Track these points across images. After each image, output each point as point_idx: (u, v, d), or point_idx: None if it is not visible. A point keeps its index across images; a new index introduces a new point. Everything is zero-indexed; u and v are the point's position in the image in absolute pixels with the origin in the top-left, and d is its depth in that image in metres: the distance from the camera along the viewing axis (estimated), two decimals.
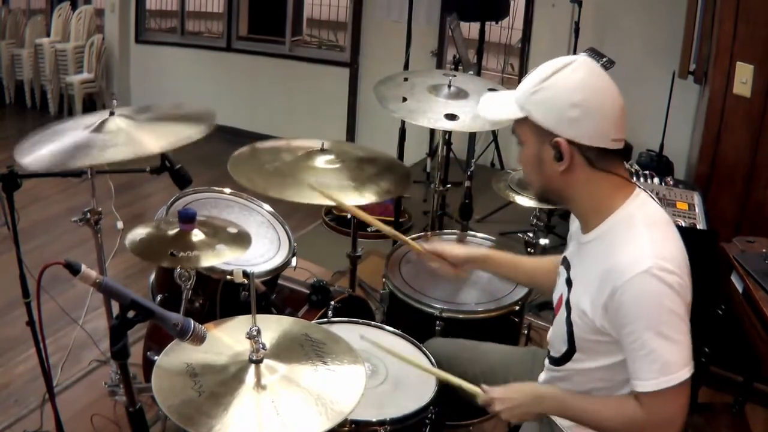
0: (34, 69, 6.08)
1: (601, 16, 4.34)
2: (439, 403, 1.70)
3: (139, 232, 1.78)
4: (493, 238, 2.43)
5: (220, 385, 1.32)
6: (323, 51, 6.03)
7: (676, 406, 1.29)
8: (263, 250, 2.19)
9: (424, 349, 1.86)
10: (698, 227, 2.46)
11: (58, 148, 1.77)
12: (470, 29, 4.59)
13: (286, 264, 2.16)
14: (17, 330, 2.65)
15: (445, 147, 3.17)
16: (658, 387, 1.26)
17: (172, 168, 2.05)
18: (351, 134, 5.43)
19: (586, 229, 1.43)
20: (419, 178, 4.64)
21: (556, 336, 1.50)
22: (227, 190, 2.37)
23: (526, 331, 2.48)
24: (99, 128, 1.83)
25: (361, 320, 1.99)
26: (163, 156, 2.02)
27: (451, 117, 2.27)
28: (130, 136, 1.80)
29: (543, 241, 2.82)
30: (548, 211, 3.43)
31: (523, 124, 1.38)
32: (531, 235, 2.80)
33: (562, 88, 1.31)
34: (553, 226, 3.79)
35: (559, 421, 1.52)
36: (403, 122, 4.06)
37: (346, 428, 1.57)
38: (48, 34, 6.17)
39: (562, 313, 1.46)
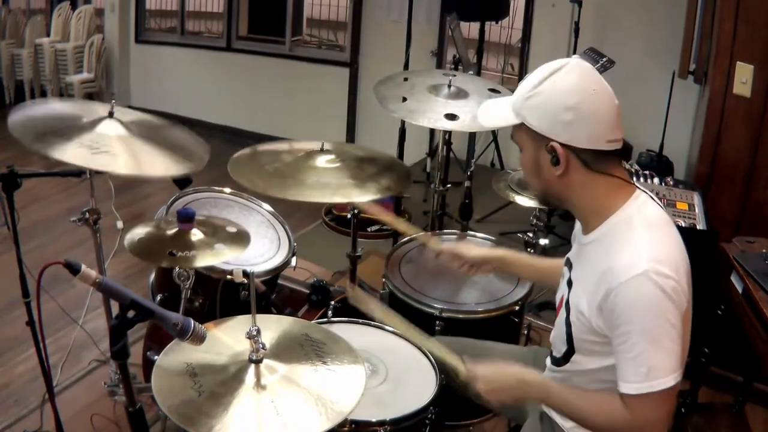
0: (34, 69, 6.08)
1: (601, 16, 4.34)
2: (439, 403, 1.70)
3: (138, 232, 1.78)
4: (493, 238, 2.43)
5: (220, 385, 1.32)
6: (323, 51, 6.04)
7: (659, 412, 1.29)
8: (263, 249, 2.19)
9: (424, 349, 1.86)
10: (698, 227, 2.46)
11: (47, 124, 1.76)
12: (470, 29, 4.59)
13: (286, 264, 2.16)
14: (17, 330, 2.65)
15: (445, 147, 3.16)
16: (641, 391, 1.27)
17: None
18: (351, 134, 5.43)
19: (586, 230, 1.43)
20: (419, 178, 4.64)
21: (556, 336, 1.50)
22: (227, 190, 2.37)
23: (526, 331, 2.48)
24: (93, 125, 1.82)
25: (361, 320, 1.99)
26: None
27: (451, 117, 2.27)
28: (118, 149, 1.76)
29: (543, 241, 2.81)
30: (548, 211, 3.42)
31: (520, 129, 1.39)
32: (531, 235, 2.80)
33: (555, 92, 1.31)
34: (553, 226, 3.79)
35: (560, 422, 1.52)
36: (403, 122, 4.06)
37: (346, 428, 1.57)
38: (48, 34, 6.17)
39: (562, 314, 1.47)
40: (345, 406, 1.31)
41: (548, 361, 1.58)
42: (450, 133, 3.21)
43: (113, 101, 1.92)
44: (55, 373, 2.55)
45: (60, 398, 2.30)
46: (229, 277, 1.97)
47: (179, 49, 5.99)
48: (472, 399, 1.82)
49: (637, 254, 1.27)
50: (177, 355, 1.40)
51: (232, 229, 1.87)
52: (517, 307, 2.08)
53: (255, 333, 1.35)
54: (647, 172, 2.88)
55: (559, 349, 1.49)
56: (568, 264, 1.52)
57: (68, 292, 2.86)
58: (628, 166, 3.08)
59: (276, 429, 1.24)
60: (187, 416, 1.25)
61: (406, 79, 2.54)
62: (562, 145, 1.32)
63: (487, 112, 1.49)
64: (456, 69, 3.53)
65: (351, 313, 2.07)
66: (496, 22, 4.62)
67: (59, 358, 2.68)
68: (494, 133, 4.84)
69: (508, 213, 4.08)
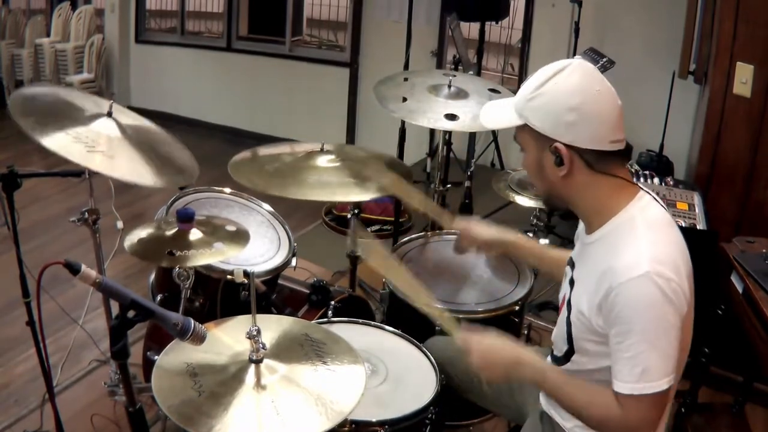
0: (34, 69, 6.08)
1: (601, 16, 4.34)
2: (439, 403, 1.70)
3: (138, 233, 1.78)
4: None
5: (220, 385, 1.32)
6: (323, 51, 6.04)
7: (650, 413, 1.29)
8: (263, 249, 2.19)
9: (424, 349, 1.86)
10: (698, 227, 2.46)
11: (48, 111, 1.76)
12: (470, 29, 4.59)
13: (286, 264, 2.16)
14: (17, 330, 2.65)
15: (445, 147, 3.17)
16: (634, 391, 1.27)
17: None
18: (351, 134, 5.43)
19: (589, 230, 1.44)
20: (419, 178, 4.63)
21: (558, 335, 1.51)
22: (227, 190, 2.37)
23: (526, 331, 2.48)
24: (90, 121, 1.82)
25: (361, 320, 1.99)
26: None
27: (451, 117, 2.27)
28: (110, 150, 1.76)
29: (543, 241, 2.80)
30: (548, 211, 3.43)
31: (523, 130, 1.39)
32: (531, 235, 2.80)
33: (558, 93, 1.32)
34: (553, 226, 3.79)
35: (561, 422, 1.52)
36: (403, 122, 4.06)
37: (346, 428, 1.57)
38: (48, 34, 6.17)
39: (563, 313, 1.47)
40: (345, 406, 1.31)
41: (548, 360, 1.58)
42: (450, 133, 3.21)
43: (112, 100, 1.92)
44: (55, 373, 2.55)
45: (60, 398, 2.30)
46: (229, 277, 1.97)
47: (179, 49, 5.99)
48: (471, 399, 1.82)
49: (638, 255, 1.27)
50: (177, 355, 1.40)
51: (231, 229, 1.87)
52: (517, 307, 2.08)
53: (255, 333, 1.35)
54: (647, 172, 2.89)
55: (560, 348, 1.49)
56: (571, 263, 1.52)
57: (68, 292, 2.85)
58: (628, 167, 3.08)
59: (276, 429, 1.24)
60: (187, 416, 1.25)
61: (406, 79, 2.54)
62: (566, 145, 1.32)
63: (489, 113, 1.49)
64: (456, 69, 3.53)
65: (351, 313, 2.07)
66: (496, 23, 4.62)
67: (59, 358, 2.68)
68: (494, 133, 4.84)
69: (508, 213, 4.08)
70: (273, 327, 1.51)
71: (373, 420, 1.58)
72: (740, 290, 2.06)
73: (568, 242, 1.68)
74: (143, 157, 1.81)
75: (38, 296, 1.49)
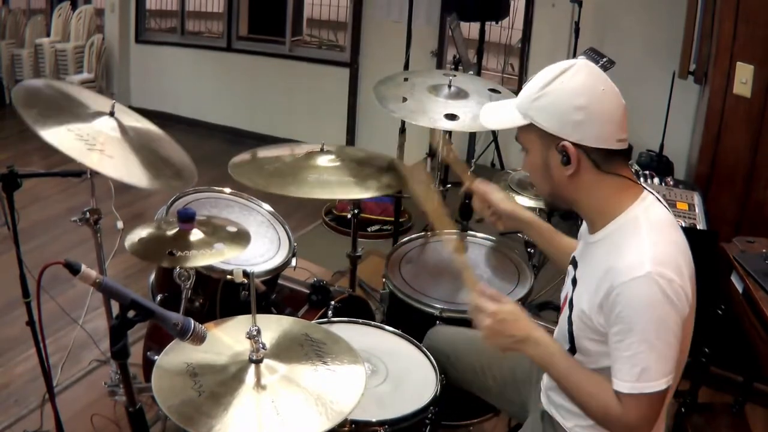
0: (34, 69, 6.08)
1: (601, 16, 4.34)
2: (439, 403, 1.70)
3: (139, 233, 1.78)
4: (494, 238, 2.44)
5: (220, 385, 1.32)
6: (323, 51, 6.03)
7: (647, 412, 1.30)
8: (263, 249, 2.19)
9: (424, 349, 1.86)
10: (698, 227, 2.46)
11: (51, 104, 1.76)
12: (470, 29, 4.59)
13: (286, 264, 2.16)
14: (17, 330, 2.65)
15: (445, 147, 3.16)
16: (632, 390, 1.27)
17: None
18: (351, 134, 5.43)
19: (592, 230, 1.44)
20: None
21: (559, 334, 1.50)
22: (227, 190, 2.37)
23: None
24: (91, 118, 1.82)
25: (361, 320, 1.99)
26: None
27: (451, 117, 2.27)
28: (110, 151, 1.75)
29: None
30: (548, 211, 3.43)
31: (527, 131, 1.39)
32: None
33: (565, 92, 1.32)
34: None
35: (561, 421, 1.52)
36: (403, 122, 4.05)
37: (346, 428, 1.57)
38: (48, 34, 6.17)
39: (565, 312, 1.47)
40: (345, 406, 1.31)
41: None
42: (450, 133, 3.21)
43: (114, 100, 1.92)
44: (55, 373, 2.55)
45: (60, 398, 2.30)
46: (229, 277, 1.97)
47: (179, 49, 5.98)
48: (474, 392, 1.81)
49: (641, 255, 1.28)
50: (177, 355, 1.41)
51: (232, 229, 1.87)
52: None
53: (255, 333, 1.35)
54: (647, 172, 2.89)
55: (562, 347, 1.48)
56: (574, 262, 1.52)
57: (68, 292, 2.86)
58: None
59: (276, 429, 1.24)
60: (187, 416, 1.25)
61: (406, 80, 2.54)
62: (573, 144, 1.33)
63: (490, 114, 1.49)
64: (456, 69, 3.53)
65: (351, 313, 2.07)
66: (496, 23, 4.62)
67: (59, 358, 2.68)
68: (494, 133, 4.84)
69: None
70: (273, 327, 1.51)
71: (373, 420, 1.59)
72: (740, 290, 2.06)
73: None
74: (142, 160, 1.80)
75: (38, 296, 1.49)
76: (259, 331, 1.36)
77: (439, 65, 4.99)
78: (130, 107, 2.08)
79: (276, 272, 2.14)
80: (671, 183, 2.81)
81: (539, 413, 1.61)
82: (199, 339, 1.30)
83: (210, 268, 1.96)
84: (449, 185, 3.18)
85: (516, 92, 1.47)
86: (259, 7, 6.06)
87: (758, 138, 2.73)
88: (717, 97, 2.82)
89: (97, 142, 1.73)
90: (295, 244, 2.25)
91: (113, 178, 1.69)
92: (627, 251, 1.30)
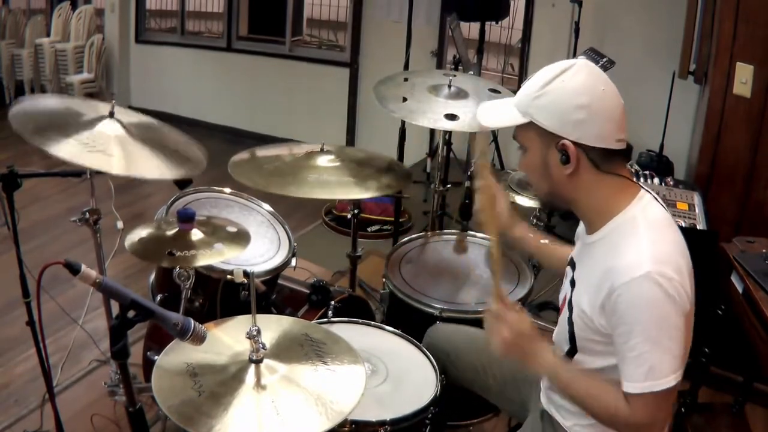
0: (34, 69, 6.08)
1: (601, 16, 4.34)
2: (439, 403, 1.70)
3: (139, 233, 1.78)
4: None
5: (220, 385, 1.32)
6: (323, 51, 6.03)
7: (659, 411, 1.30)
8: (263, 249, 2.19)
9: (424, 349, 1.86)
10: (698, 227, 2.46)
11: (47, 120, 1.77)
12: (470, 29, 4.58)
13: (286, 264, 2.16)
14: (17, 330, 2.65)
15: (445, 147, 3.17)
16: (642, 390, 1.27)
17: None
18: (351, 134, 5.43)
19: (590, 230, 1.44)
20: (419, 178, 4.63)
21: (559, 335, 1.51)
22: (227, 190, 2.37)
23: None
24: (92, 124, 1.82)
25: (361, 320, 1.99)
26: None
27: (451, 117, 2.27)
28: (116, 150, 1.77)
29: (543, 242, 2.81)
30: (548, 211, 3.43)
31: (526, 129, 1.39)
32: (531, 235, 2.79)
33: (565, 91, 1.32)
34: (553, 226, 3.79)
35: (561, 420, 1.52)
36: (403, 122, 4.06)
37: (346, 428, 1.57)
38: (48, 34, 6.17)
39: (565, 313, 1.47)
40: (345, 406, 1.31)
41: None
42: (450, 133, 3.21)
43: (113, 101, 1.92)
44: (55, 373, 2.55)
45: (60, 398, 2.30)
46: (229, 277, 1.97)
47: (179, 49, 5.99)
48: (474, 391, 1.81)
49: (640, 255, 1.28)
50: (177, 355, 1.40)
51: (232, 229, 1.87)
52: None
53: (255, 333, 1.35)
54: (647, 172, 2.89)
55: (562, 348, 1.49)
56: (572, 264, 1.52)
57: (68, 292, 2.86)
58: (628, 167, 3.08)
59: (276, 429, 1.24)
60: (187, 416, 1.25)
61: (406, 80, 2.54)
62: (573, 143, 1.33)
63: (488, 113, 1.48)
64: (456, 69, 3.53)
65: (351, 313, 2.07)
66: (496, 23, 4.62)
67: (59, 358, 2.68)
68: (494, 133, 4.84)
69: None
70: (273, 327, 1.51)
71: (373, 420, 1.58)
72: (740, 290, 2.06)
73: (568, 242, 1.67)
74: (151, 151, 1.83)
75: (38, 296, 1.49)
76: (259, 331, 1.36)
77: (439, 65, 4.99)
78: (130, 107, 2.09)
79: (276, 272, 2.14)
80: (671, 183, 2.81)
81: (539, 413, 1.61)
82: (199, 339, 1.30)
83: (210, 268, 1.96)
84: (449, 185, 3.18)
85: (516, 92, 1.46)
86: (259, 7, 6.06)
87: (758, 138, 2.73)
88: (717, 97, 2.82)
89: (99, 144, 1.74)
90: (295, 244, 2.25)
91: (119, 176, 1.70)
92: (626, 251, 1.30)
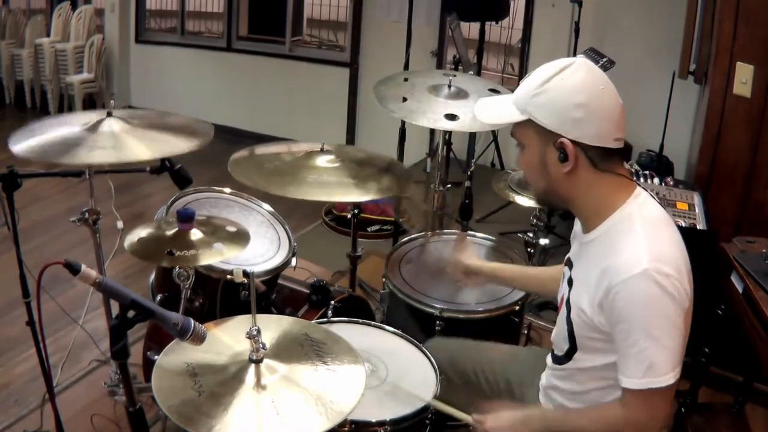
0: (34, 69, 6.08)
1: (601, 16, 4.34)
2: None
3: (139, 233, 1.78)
4: (493, 237, 2.44)
5: (220, 385, 1.32)
6: (323, 51, 6.03)
7: (657, 409, 1.31)
8: (263, 249, 2.19)
9: (424, 349, 1.86)
10: (698, 227, 2.46)
11: (49, 141, 1.80)
12: (470, 29, 4.59)
13: (286, 264, 2.16)
14: (17, 330, 2.65)
15: (445, 147, 3.16)
16: (641, 386, 1.28)
17: (172, 168, 2.05)
18: (351, 134, 5.43)
19: (586, 229, 1.44)
20: (419, 178, 4.63)
21: (558, 335, 1.51)
22: (227, 190, 2.37)
23: (526, 331, 2.48)
24: (94, 128, 1.85)
25: (361, 320, 1.99)
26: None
27: (451, 117, 2.27)
28: (121, 141, 1.82)
29: (543, 241, 2.82)
30: (548, 211, 3.43)
31: (524, 127, 1.39)
32: (531, 235, 2.80)
33: (565, 89, 1.32)
34: (553, 226, 3.79)
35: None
36: (403, 122, 4.06)
37: (346, 428, 1.57)
38: (48, 34, 6.17)
39: (563, 312, 1.47)
40: (345, 406, 1.30)
41: (549, 360, 1.58)
42: (450, 133, 3.21)
43: (112, 101, 1.93)
44: (55, 373, 2.55)
45: (60, 398, 2.30)
46: (229, 277, 1.97)
47: (179, 49, 5.99)
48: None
49: (637, 252, 1.28)
50: (177, 355, 1.40)
51: (231, 229, 1.86)
52: (517, 307, 2.09)
53: (255, 333, 1.35)
54: (647, 172, 2.89)
55: (561, 347, 1.49)
56: (569, 263, 1.52)
57: (68, 292, 2.85)
58: (627, 166, 3.09)
59: (276, 429, 1.24)
60: (187, 416, 1.25)
61: (406, 80, 2.54)
62: (571, 141, 1.33)
63: (486, 110, 1.48)
64: (456, 69, 3.53)
65: (351, 313, 2.07)
66: (496, 23, 4.62)
67: (59, 358, 2.68)
68: (494, 133, 4.84)
69: (508, 213, 4.08)
70: (273, 327, 1.51)
71: (373, 420, 1.58)
72: (740, 290, 2.06)
73: (568, 242, 1.67)
74: (164, 133, 1.90)
75: (38, 296, 1.49)
76: (259, 331, 1.36)
77: (439, 65, 4.99)
78: (130, 107, 2.09)
79: (276, 272, 2.14)
80: (671, 183, 2.81)
81: None
82: (199, 339, 1.30)
83: (210, 268, 1.96)
84: (449, 185, 3.18)
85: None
86: (259, 7, 6.06)
87: (758, 138, 2.73)
88: (717, 97, 2.82)
89: (112, 140, 1.80)
90: (295, 244, 2.25)
91: (115, 162, 1.75)
92: (623, 249, 1.30)
